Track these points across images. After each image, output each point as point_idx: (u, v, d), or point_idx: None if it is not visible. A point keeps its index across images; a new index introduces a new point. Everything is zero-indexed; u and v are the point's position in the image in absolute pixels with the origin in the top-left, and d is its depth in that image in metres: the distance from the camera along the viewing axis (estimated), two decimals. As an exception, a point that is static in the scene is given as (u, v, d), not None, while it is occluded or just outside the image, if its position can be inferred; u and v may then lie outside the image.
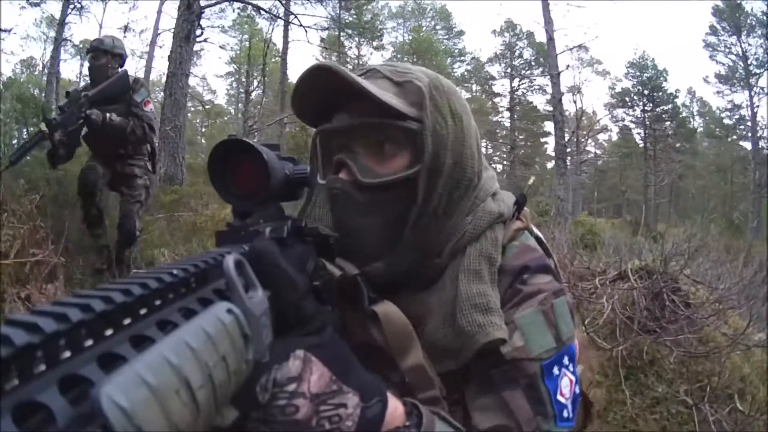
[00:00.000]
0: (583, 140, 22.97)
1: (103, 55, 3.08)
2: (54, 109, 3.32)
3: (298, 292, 0.40)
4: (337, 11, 16.22)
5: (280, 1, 9.46)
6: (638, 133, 22.87)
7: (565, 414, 0.59)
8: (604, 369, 2.40)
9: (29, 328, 0.22)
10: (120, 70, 3.11)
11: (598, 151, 27.42)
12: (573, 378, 0.61)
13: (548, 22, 10.81)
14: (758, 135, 19.57)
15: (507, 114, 24.65)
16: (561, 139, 10.89)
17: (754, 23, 18.49)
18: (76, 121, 2.77)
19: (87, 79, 3.23)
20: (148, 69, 16.15)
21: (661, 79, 22.20)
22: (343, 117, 0.63)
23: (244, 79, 20.56)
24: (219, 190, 0.52)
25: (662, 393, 2.30)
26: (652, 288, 2.66)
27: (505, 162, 25.44)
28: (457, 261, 0.64)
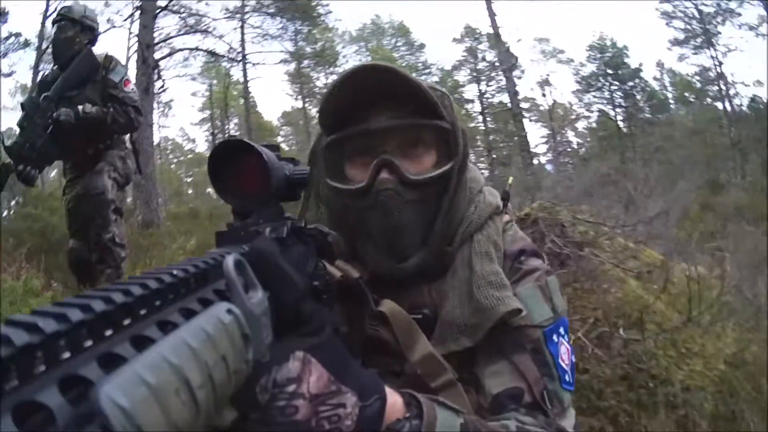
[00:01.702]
0: (563, 131, 23.22)
1: (72, 26, 2.46)
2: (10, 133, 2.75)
3: (297, 292, 0.40)
4: (294, 45, 17.41)
5: (229, 44, 10.46)
6: (614, 115, 22.74)
7: (567, 378, 0.64)
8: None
9: (29, 328, 0.22)
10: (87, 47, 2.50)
11: (579, 140, 27.32)
12: (569, 347, 0.67)
13: (493, 20, 10.98)
14: (725, 93, 19.30)
15: (480, 118, 24.42)
16: (522, 131, 11.37)
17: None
18: (43, 131, 2.28)
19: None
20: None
21: (623, 56, 22.01)
22: (381, 118, 0.65)
23: (219, 123, 21.26)
24: (219, 190, 0.52)
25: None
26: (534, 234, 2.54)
27: (485, 165, 25.69)
28: (466, 248, 0.70)
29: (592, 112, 23.37)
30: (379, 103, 0.65)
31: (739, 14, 17.20)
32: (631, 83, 21.84)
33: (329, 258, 0.60)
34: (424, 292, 0.69)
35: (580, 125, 24.93)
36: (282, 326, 0.39)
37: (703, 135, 21.32)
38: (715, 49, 18.92)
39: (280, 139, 24.26)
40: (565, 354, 0.65)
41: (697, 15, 18.95)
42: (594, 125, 23.91)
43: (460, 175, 0.68)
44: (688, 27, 19.51)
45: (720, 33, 18.44)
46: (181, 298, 0.33)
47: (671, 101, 23.74)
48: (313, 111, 24.44)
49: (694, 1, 18.49)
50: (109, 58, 2.50)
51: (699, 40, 19.28)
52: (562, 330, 0.67)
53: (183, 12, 9.35)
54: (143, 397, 0.22)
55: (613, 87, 22.13)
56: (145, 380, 0.23)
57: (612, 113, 22.51)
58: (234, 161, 0.51)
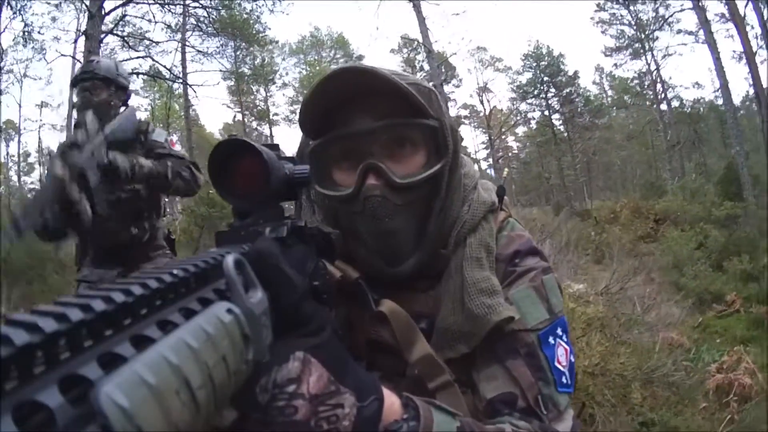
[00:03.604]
0: (503, 137, 24.52)
1: (105, 86, 1.88)
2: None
3: (297, 293, 0.40)
4: (234, 62, 18.30)
5: (169, 70, 10.90)
6: (556, 120, 23.73)
7: (564, 380, 0.62)
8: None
9: (29, 328, 0.22)
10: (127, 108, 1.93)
11: (519, 144, 28.71)
12: (568, 347, 0.65)
13: (425, 36, 11.14)
14: (661, 97, 20.09)
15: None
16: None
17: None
18: (96, 168, 1.56)
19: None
20: (70, 142, 17.15)
21: (560, 63, 22.93)
22: (364, 120, 0.63)
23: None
24: (219, 190, 0.52)
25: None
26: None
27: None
28: (460, 252, 0.68)
29: (529, 119, 24.48)
30: (362, 105, 0.63)
31: (678, 20, 18.12)
32: (568, 90, 22.79)
33: (330, 257, 0.60)
34: (421, 299, 0.68)
35: (520, 131, 26.25)
36: (282, 326, 0.39)
37: (642, 137, 22.41)
38: (653, 55, 19.79)
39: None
40: (562, 356, 0.63)
41: (633, 23, 19.70)
42: (533, 130, 24.91)
43: (451, 173, 0.66)
44: (626, 34, 20.31)
45: (658, 38, 19.38)
46: (182, 297, 0.33)
47: (611, 106, 24.76)
48: (254, 124, 25.26)
49: (632, 8, 19.30)
50: (145, 122, 1.97)
51: (636, 45, 20.08)
52: (559, 331, 0.65)
53: (127, 36, 9.61)
54: (143, 398, 0.22)
55: (549, 94, 23.08)
56: (146, 380, 0.23)
57: (550, 119, 23.49)
58: (234, 161, 0.51)
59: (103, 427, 0.21)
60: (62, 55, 9.85)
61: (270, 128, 25.28)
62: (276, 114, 25.65)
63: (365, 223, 0.63)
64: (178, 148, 1.99)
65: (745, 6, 12.62)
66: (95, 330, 0.25)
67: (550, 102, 23.12)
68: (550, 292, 0.66)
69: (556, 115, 23.23)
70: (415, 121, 0.63)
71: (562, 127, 23.13)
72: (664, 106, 20.18)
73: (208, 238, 7.57)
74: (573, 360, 0.66)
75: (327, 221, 0.71)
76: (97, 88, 1.88)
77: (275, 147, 0.56)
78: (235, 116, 24.50)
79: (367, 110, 0.63)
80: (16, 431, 0.19)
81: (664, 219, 9.10)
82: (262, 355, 0.34)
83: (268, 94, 24.66)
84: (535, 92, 23.17)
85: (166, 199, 2.08)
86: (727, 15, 13.72)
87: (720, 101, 14.87)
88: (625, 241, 7.10)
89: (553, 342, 0.63)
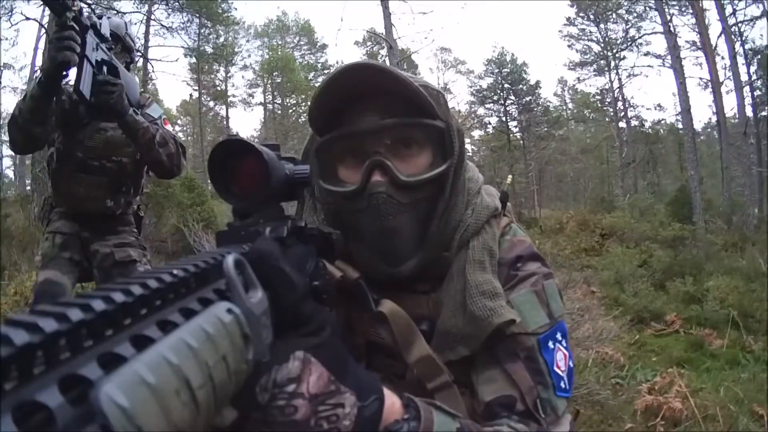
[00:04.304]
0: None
1: (113, 44, 1.75)
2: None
3: (297, 292, 0.40)
4: (197, 39, 18.32)
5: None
6: (513, 126, 23.73)
7: (563, 385, 0.63)
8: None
9: (29, 328, 0.22)
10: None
11: (474, 148, 28.71)
12: (567, 352, 0.65)
13: (389, 32, 10.96)
14: (621, 114, 20.26)
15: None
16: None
17: (611, 8, 18.77)
18: (94, 49, 1.54)
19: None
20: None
21: (522, 72, 23.01)
22: (372, 118, 0.63)
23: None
24: (219, 190, 0.52)
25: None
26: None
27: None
28: (462, 255, 0.68)
29: (486, 123, 24.42)
30: (371, 103, 0.63)
31: (648, 42, 18.42)
32: (528, 98, 22.82)
33: (330, 257, 0.60)
34: (422, 301, 0.68)
35: (476, 134, 26.13)
36: (282, 326, 0.38)
37: (598, 152, 22.60)
38: (618, 73, 19.93)
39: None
40: (561, 360, 0.64)
41: (601, 40, 19.96)
42: (489, 135, 24.92)
43: (456, 176, 0.66)
44: (593, 50, 20.55)
45: (624, 57, 19.57)
46: (182, 297, 0.32)
47: (570, 118, 24.88)
48: (211, 103, 24.76)
49: (602, 26, 19.55)
50: (143, 95, 1.92)
51: (602, 62, 20.28)
52: (559, 335, 0.65)
53: (94, 4, 9.35)
54: (143, 397, 0.22)
55: (509, 101, 23.10)
56: (146, 380, 0.23)
57: (507, 125, 23.49)
58: (234, 161, 0.51)
59: (103, 427, 0.21)
60: (27, 18, 9.38)
61: (227, 109, 25.15)
62: (234, 95, 25.46)
63: (368, 220, 0.63)
64: (169, 128, 1.89)
65: (718, 37, 12.78)
66: (95, 330, 0.25)
67: (508, 109, 23.22)
68: (551, 297, 0.66)
69: (514, 123, 23.33)
70: (422, 122, 0.63)
71: (518, 135, 23.15)
72: (623, 124, 20.29)
73: (152, 215, 7.49)
74: (572, 365, 0.66)
75: (329, 220, 0.71)
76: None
77: (276, 147, 0.56)
78: (191, 94, 24.36)
79: (375, 108, 0.63)
80: (16, 431, 0.19)
81: (611, 234, 9.09)
82: (262, 354, 0.34)
83: (228, 75, 24.58)
84: (495, 98, 23.24)
85: (147, 176, 2.02)
86: (699, 43, 13.75)
87: (680, 125, 14.86)
88: (568, 252, 7.00)
89: (552, 347, 0.63)
